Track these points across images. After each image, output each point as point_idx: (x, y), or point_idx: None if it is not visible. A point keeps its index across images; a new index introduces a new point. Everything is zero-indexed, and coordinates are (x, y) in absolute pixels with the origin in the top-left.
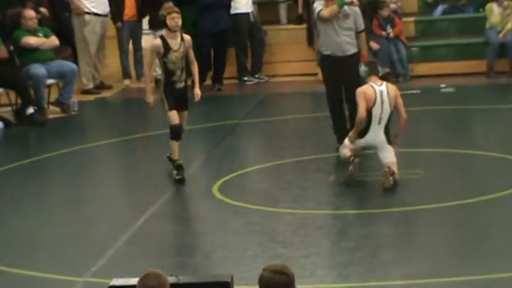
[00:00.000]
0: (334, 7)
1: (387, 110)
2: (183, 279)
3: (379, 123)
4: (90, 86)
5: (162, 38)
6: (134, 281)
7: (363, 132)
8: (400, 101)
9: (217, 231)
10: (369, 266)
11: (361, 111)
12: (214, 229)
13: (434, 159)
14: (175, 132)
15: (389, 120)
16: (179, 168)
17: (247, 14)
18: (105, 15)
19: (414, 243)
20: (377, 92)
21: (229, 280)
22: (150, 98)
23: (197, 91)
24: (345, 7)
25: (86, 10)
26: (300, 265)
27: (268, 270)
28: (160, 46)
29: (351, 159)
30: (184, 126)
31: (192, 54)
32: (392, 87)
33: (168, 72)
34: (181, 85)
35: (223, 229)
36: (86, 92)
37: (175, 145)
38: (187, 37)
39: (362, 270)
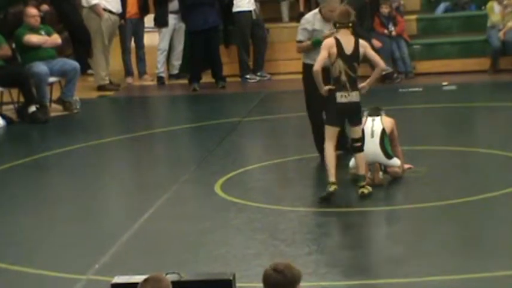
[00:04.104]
0: (308, 45)
1: (378, 124)
2: (185, 276)
3: (372, 136)
4: (106, 81)
5: (336, 37)
6: (137, 278)
7: None
8: (396, 133)
9: (219, 229)
10: (372, 264)
11: None
12: (217, 227)
13: (436, 157)
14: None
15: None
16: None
17: (250, 11)
18: (117, 14)
19: (417, 241)
20: (369, 120)
21: (231, 278)
22: (323, 89)
23: (363, 85)
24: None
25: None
26: (302, 263)
27: (270, 267)
28: (333, 45)
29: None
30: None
31: (373, 56)
32: (388, 120)
33: (332, 80)
34: (344, 100)
35: (225, 227)
36: (102, 87)
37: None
38: (363, 42)
39: (364, 268)
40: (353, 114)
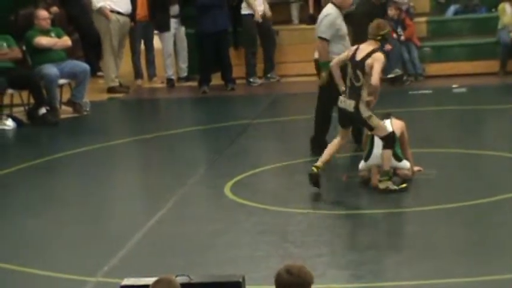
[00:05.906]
0: (323, 76)
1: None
2: (195, 279)
3: None
4: (116, 83)
5: (359, 45)
6: (146, 280)
7: (368, 154)
8: (406, 136)
9: (228, 231)
10: (381, 266)
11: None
12: (226, 229)
13: (446, 160)
14: None
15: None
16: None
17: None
18: (126, 15)
19: (426, 243)
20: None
21: (240, 280)
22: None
23: (370, 98)
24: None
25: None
26: (312, 265)
27: (283, 268)
28: (353, 49)
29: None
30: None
31: (374, 70)
32: (398, 123)
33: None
34: (341, 105)
35: (234, 229)
36: (111, 89)
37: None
38: (377, 55)
39: (374, 270)
40: (355, 122)
